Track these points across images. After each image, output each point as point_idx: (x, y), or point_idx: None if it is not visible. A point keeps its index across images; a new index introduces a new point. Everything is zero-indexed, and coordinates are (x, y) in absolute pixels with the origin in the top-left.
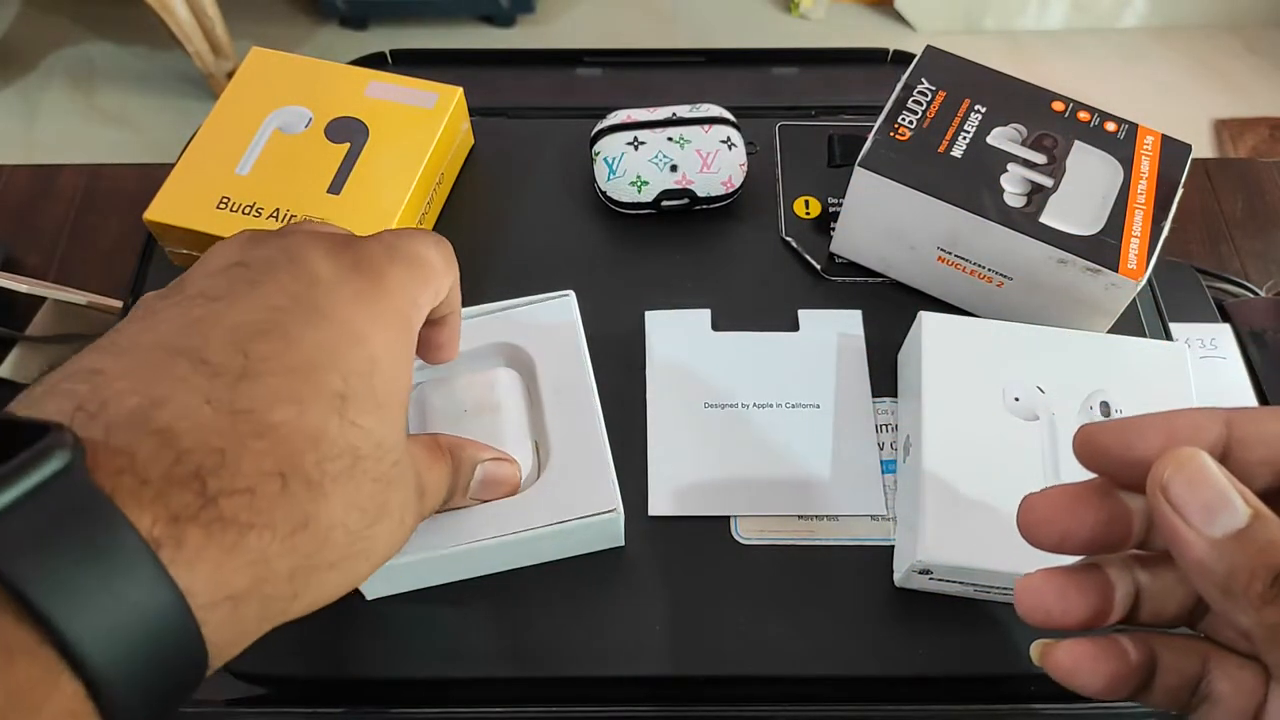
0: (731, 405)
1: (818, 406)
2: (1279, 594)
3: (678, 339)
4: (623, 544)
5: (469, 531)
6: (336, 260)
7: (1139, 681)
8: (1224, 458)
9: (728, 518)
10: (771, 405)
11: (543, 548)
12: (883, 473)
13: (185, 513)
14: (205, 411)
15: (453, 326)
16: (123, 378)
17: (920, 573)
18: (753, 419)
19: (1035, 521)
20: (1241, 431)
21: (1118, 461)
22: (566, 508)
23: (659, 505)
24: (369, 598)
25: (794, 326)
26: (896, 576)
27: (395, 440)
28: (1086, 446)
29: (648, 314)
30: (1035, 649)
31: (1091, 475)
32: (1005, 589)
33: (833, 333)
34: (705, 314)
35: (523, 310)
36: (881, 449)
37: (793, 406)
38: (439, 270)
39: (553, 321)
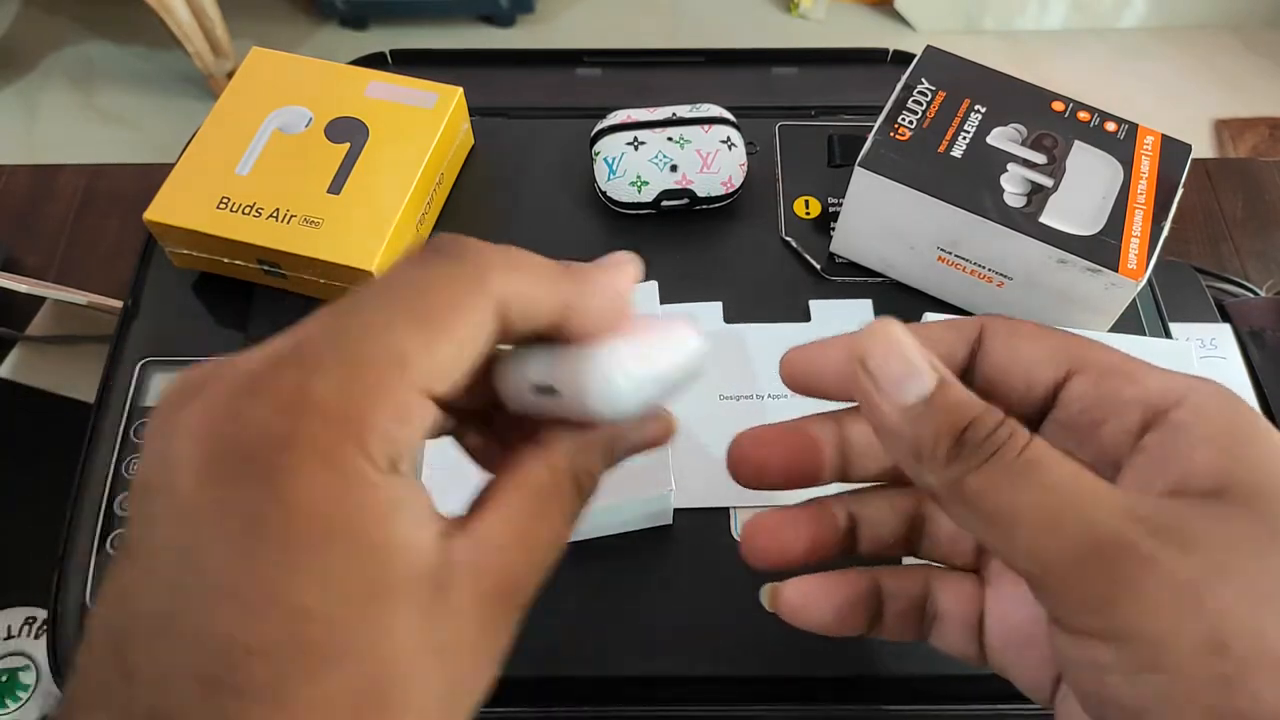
0: (747, 397)
1: None
2: (960, 452)
3: None
4: (671, 522)
5: None
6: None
7: (868, 611)
8: None
9: (728, 516)
10: (787, 395)
11: (594, 521)
12: None
13: None
14: None
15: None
16: None
17: None
18: (768, 410)
19: (737, 458)
20: (918, 337)
21: (812, 377)
22: (621, 489)
23: (679, 498)
24: None
25: (804, 319)
26: None
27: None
28: (785, 368)
29: (660, 308)
30: (765, 593)
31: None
32: None
33: (844, 323)
34: (717, 306)
35: None
36: None
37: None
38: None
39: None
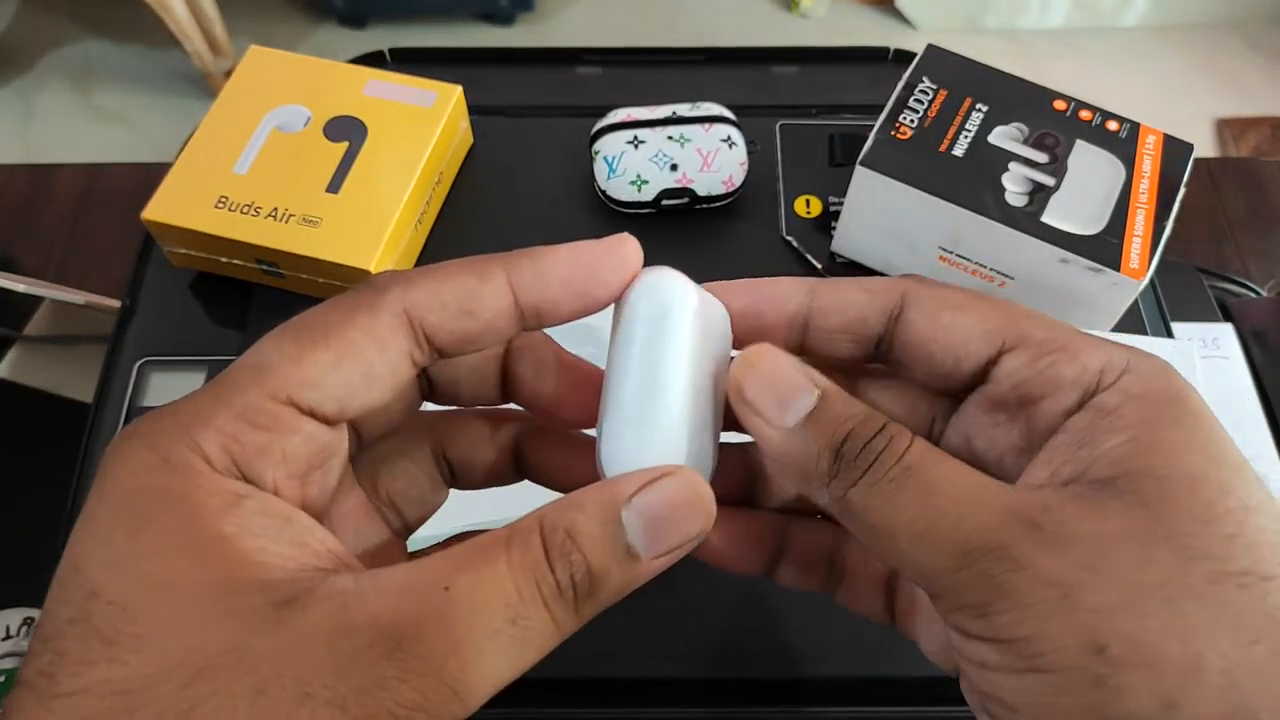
0: None
1: None
2: (841, 467)
3: None
4: None
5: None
6: None
7: (767, 551)
8: (805, 326)
9: None
10: None
11: None
12: None
13: None
14: None
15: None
16: None
17: None
18: None
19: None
20: (823, 300)
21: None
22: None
23: None
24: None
25: None
26: None
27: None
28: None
29: None
30: None
31: None
32: None
33: None
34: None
35: None
36: None
37: None
38: None
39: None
